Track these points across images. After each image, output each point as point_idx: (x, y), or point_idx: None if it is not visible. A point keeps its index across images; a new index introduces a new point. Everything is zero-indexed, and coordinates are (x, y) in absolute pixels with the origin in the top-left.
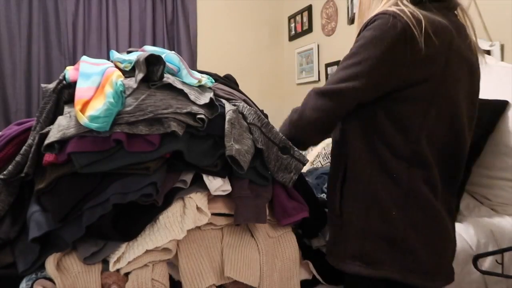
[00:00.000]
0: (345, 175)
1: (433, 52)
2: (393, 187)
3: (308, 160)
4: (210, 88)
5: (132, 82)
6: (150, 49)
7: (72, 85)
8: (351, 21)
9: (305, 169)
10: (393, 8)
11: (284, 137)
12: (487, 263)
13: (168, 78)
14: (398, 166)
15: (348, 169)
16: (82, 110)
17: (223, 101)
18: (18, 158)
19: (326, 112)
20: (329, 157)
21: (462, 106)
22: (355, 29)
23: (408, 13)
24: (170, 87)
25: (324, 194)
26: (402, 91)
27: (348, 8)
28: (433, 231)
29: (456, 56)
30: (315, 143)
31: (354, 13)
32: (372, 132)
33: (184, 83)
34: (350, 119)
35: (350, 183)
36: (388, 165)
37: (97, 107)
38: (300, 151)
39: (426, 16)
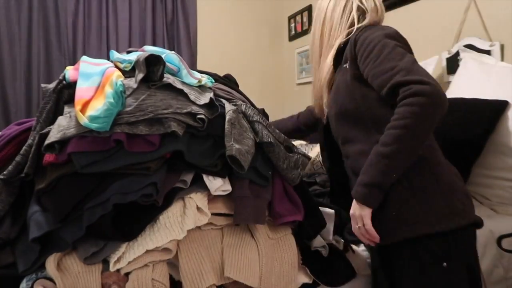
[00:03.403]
0: None
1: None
2: (436, 148)
3: (311, 157)
4: (210, 88)
5: (132, 82)
6: (150, 49)
7: (72, 85)
8: None
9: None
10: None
11: (285, 136)
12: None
13: (168, 78)
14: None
15: None
16: (82, 110)
17: (223, 101)
18: (18, 158)
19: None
20: None
21: None
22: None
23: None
24: (170, 87)
25: None
26: None
27: None
28: (460, 177)
29: None
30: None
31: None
32: None
33: (184, 83)
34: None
35: None
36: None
37: (97, 107)
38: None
39: None
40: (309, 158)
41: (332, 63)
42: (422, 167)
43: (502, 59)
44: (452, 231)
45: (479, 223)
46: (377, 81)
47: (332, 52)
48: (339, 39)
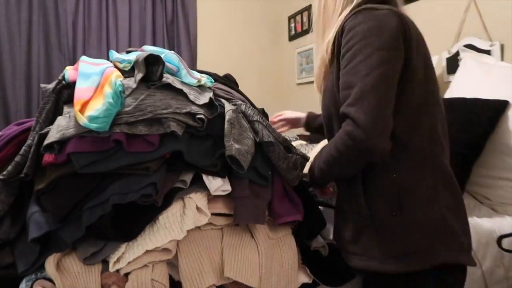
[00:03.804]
0: (364, 170)
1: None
2: (419, 169)
3: (309, 157)
4: (209, 88)
5: (131, 82)
6: (149, 49)
7: (71, 85)
8: None
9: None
10: (368, 5)
11: (284, 136)
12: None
13: (168, 78)
14: (421, 144)
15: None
16: (82, 110)
17: (223, 101)
18: (17, 158)
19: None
20: None
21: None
22: (316, 35)
23: (385, 6)
24: (169, 87)
25: None
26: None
27: None
28: (460, 207)
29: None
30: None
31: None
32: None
33: (183, 83)
34: None
35: (373, 177)
36: (411, 146)
37: (96, 107)
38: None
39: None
40: (307, 159)
41: (327, 52)
42: (390, 195)
43: (502, 59)
44: (409, 272)
45: (451, 265)
46: (340, 94)
47: (327, 41)
48: (335, 25)
